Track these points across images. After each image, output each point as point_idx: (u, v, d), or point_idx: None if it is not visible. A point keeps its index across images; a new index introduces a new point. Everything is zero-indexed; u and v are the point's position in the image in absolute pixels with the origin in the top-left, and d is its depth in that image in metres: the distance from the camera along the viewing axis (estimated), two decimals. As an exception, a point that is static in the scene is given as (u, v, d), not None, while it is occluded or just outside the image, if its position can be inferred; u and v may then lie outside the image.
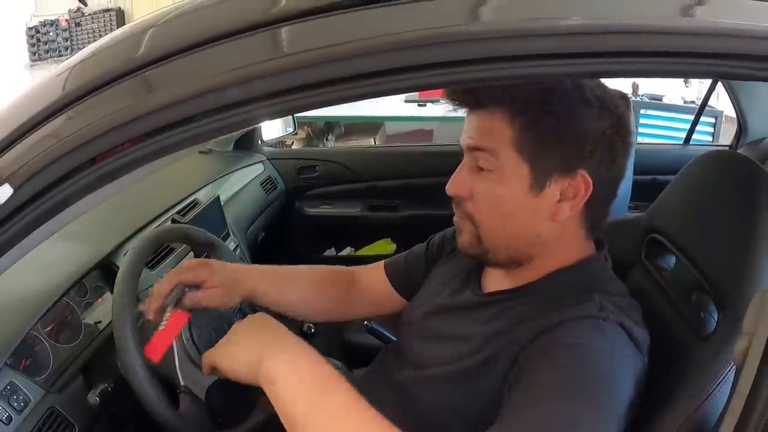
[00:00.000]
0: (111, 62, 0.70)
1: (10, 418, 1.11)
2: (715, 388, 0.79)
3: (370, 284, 1.33)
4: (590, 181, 0.90)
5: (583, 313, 0.86)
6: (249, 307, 1.36)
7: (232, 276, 1.19)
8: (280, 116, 0.66)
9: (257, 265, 1.33)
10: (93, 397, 1.22)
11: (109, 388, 1.25)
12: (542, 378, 0.82)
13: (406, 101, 4.67)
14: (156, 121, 0.63)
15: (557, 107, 0.88)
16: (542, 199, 0.91)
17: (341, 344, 2.00)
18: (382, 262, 1.34)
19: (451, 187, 0.97)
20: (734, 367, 0.75)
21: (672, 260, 1.08)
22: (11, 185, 0.69)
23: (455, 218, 1.01)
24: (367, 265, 1.36)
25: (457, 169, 0.97)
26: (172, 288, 1.13)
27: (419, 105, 4.50)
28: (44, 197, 0.70)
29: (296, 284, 1.31)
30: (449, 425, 0.94)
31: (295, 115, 2.83)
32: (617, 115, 0.91)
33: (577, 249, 0.98)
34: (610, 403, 0.78)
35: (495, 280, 1.04)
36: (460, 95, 0.92)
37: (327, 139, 4.77)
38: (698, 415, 0.79)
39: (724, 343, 0.83)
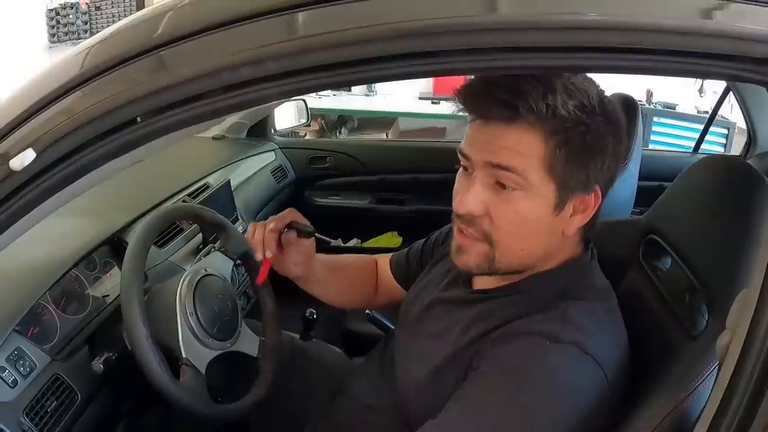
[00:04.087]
0: (133, 41, 0.73)
1: (15, 382, 1.15)
2: (699, 383, 0.81)
3: (382, 272, 1.38)
4: (600, 194, 0.92)
5: (539, 328, 0.87)
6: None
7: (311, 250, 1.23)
8: (289, 96, 0.69)
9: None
10: (97, 365, 1.26)
11: (113, 357, 1.28)
12: (468, 392, 0.87)
13: (420, 98, 4.69)
14: (172, 96, 0.66)
15: (589, 125, 0.85)
16: (560, 217, 0.90)
17: (342, 332, 2.02)
18: (390, 255, 1.37)
19: (464, 206, 0.90)
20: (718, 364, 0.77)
21: (668, 261, 1.10)
22: (34, 150, 0.72)
23: (460, 239, 0.95)
24: (382, 256, 1.40)
25: (466, 185, 0.91)
26: (283, 226, 1.17)
27: (433, 102, 4.53)
28: (65, 163, 0.73)
29: (336, 276, 1.35)
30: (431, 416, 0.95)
31: (309, 106, 2.86)
32: (621, 125, 0.91)
33: (567, 252, 0.98)
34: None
35: (485, 277, 1.03)
36: (488, 106, 0.85)
37: (340, 132, 4.80)
38: (682, 409, 0.80)
39: (711, 342, 0.84)
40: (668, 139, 4.01)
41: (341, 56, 0.62)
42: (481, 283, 1.04)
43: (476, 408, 0.86)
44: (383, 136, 4.74)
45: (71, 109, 0.71)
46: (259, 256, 1.16)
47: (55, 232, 1.48)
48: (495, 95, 0.83)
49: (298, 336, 1.66)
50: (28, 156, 0.71)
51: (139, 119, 0.70)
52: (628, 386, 0.91)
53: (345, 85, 0.65)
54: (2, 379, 1.13)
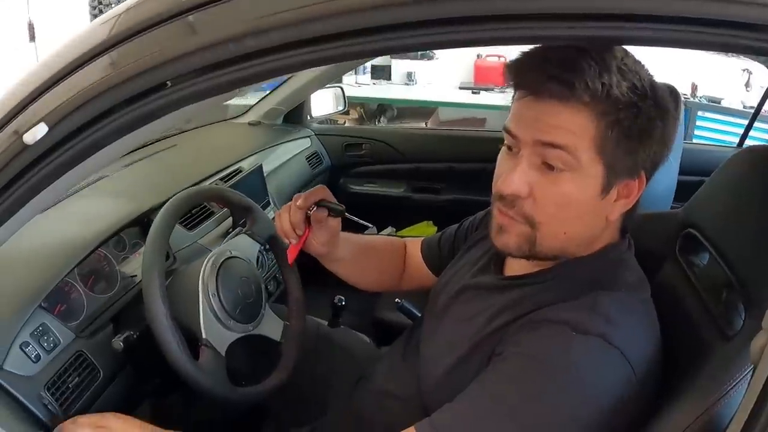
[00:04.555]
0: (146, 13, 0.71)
1: (38, 357, 1.16)
2: (732, 387, 0.77)
3: (410, 260, 1.37)
4: (644, 180, 0.89)
5: (566, 317, 0.85)
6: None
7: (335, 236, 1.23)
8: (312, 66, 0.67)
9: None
10: (117, 342, 1.26)
11: (134, 336, 1.28)
12: (487, 377, 0.86)
13: (461, 88, 4.67)
14: (184, 67, 0.64)
15: (641, 108, 0.83)
16: (606, 201, 0.88)
17: (372, 321, 2.01)
18: (420, 240, 1.36)
19: (510, 186, 0.87)
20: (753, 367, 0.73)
21: (706, 257, 1.05)
22: (47, 123, 0.71)
23: (500, 218, 0.93)
24: (411, 240, 1.39)
25: (511, 165, 0.89)
26: (310, 205, 1.16)
27: (473, 92, 4.49)
28: (79, 137, 0.73)
29: (363, 257, 1.34)
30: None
31: (348, 95, 2.86)
32: (670, 111, 0.88)
33: (606, 239, 0.95)
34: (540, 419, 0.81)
35: (517, 263, 1.01)
36: (542, 82, 0.82)
37: (379, 121, 4.81)
38: (712, 413, 0.77)
39: (746, 343, 0.80)
40: (713, 134, 3.92)
41: (381, 20, 0.59)
42: (513, 269, 1.02)
43: (494, 394, 0.84)
44: (422, 125, 4.72)
45: (83, 81, 0.70)
46: (287, 242, 1.16)
47: (86, 212, 1.50)
48: (549, 71, 0.81)
49: (326, 323, 1.65)
50: (40, 130, 0.71)
51: (169, 83, 0.68)
52: (659, 382, 0.88)
53: (386, 53, 0.63)
54: (25, 353, 1.15)
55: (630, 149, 0.85)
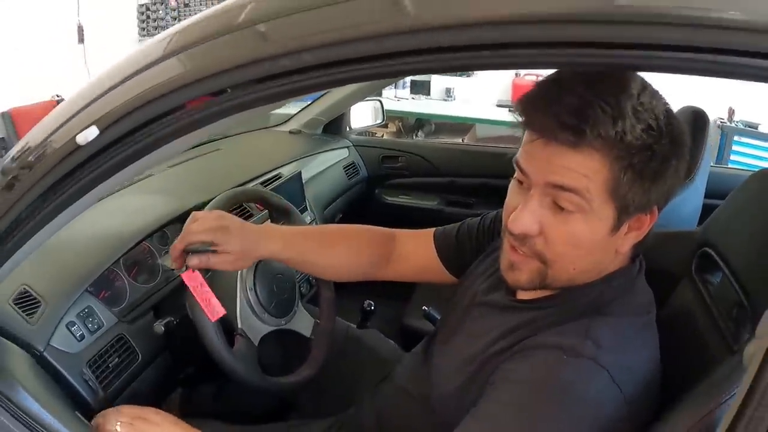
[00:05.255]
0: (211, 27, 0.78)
1: (82, 336, 1.26)
2: (732, 395, 0.81)
3: (416, 250, 1.31)
4: (656, 213, 0.90)
5: (559, 342, 0.86)
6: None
7: (246, 242, 1.16)
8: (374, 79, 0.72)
9: (286, 229, 1.30)
10: (158, 326, 1.35)
11: (174, 322, 1.37)
12: (486, 407, 0.88)
13: (498, 105, 4.70)
14: (242, 76, 0.71)
15: (655, 150, 0.82)
16: (616, 237, 0.89)
17: (399, 328, 2.07)
18: (432, 230, 1.31)
19: (519, 226, 0.88)
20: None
21: (720, 275, 1.09)
22: (98, 127, 0.78)
23: (512, 256, 0.94)
24: (414, 231, 1.33)
25: (521, 202, 0.89)
26: (183, 248, 1.13)
27: (510, 110, 4.49)
28: (129, 139, 0.79)
29: (328, 248, 1.28)
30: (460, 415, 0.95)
31: (387, 108, 2.91)
32: (685, 145, 0.88)
33: (614, 266, 0.95)
34: None
35: None
36: (552, 130, 0.81)
37: (416, 135, 4.85)
38: (711, 418, 0.80)
39: (747, 355, 0.84)
40: (749, 160, 3.89)
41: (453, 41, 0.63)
42: (523, 292, 1.03)
43: (493, 423, 0.86)
44: (459, 141, 4.76)
45: (136, 88, 0.77)
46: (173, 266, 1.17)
47: (133, 207, 1.60)
48: (560, 117, 0.80)
49: (355, 326, 1.71)
50: (91, 132, 0.77)
51: (229, 90, 0.73)
52: (655, 403, 0.90)
53: (448, 71, 0.68)
54: (71, 332, 1.25)
55: (644, 189, 0.84)
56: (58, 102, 5.72)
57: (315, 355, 1.40)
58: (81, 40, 6.09)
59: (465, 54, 0.64)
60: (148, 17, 6.69)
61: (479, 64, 0.68)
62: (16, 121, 5.41)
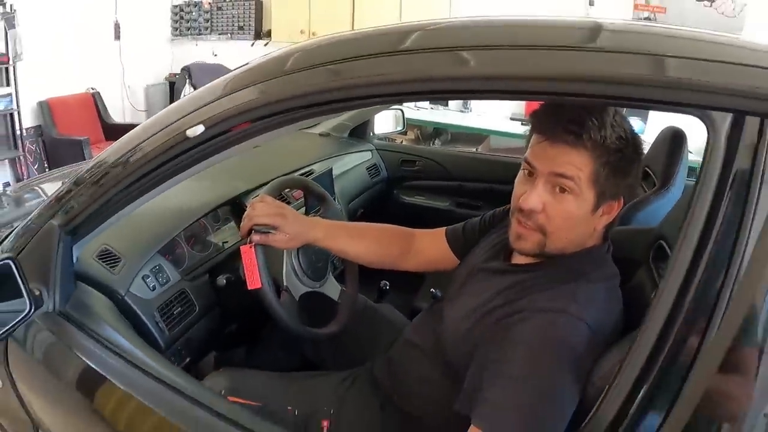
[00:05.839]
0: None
1: (154, 287, 1.57)
2: None
3: (430, 246, 1.62)
4: (622, 202, 1.20)
5: (549, 306, 1.12)
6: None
7: (299, 227, 1.50)
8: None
9: (328, 221, 1.63)
10: (221, 280, 1.67)
11: (232, 278, 1.68)
12: (498, 366, 1.11)
13: (512, 119, 4.91)
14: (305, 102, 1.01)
15: (624, 153, 1.12)
16: (594, 216, 1.18)
17: (410, 310, 2.32)
18: (443, 229, 1.62)
19: (530, 203, 1.16)
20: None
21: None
22: (204, 125, 1.08)
23: (519, 228, 1.21)
24: (429, 230, 1.65)
25: (529, 187, 1.17)
26: (249, 229, 1.46)
27: (523, 123, 4.72)
28: (222, 137, 1.10)
29: (359, 240, 1.60)
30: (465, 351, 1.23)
31: (408, 116, 3.15)
32: (642, 154, 1.18)
33: (591, 242, 1.25)
34: (549, 389, 1.06)
35: (521, 255, 1.30)
36: (559, 132, 1.11)
37: (433, 143, 5.05)
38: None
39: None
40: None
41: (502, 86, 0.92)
42: (517, 258, 1.32)
43: (510, 375, 1.08)
44: (473, 150, 4.98)
45: (232, 102, 1.06)
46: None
47: (195, 189, 1.91)
48: (563, 124, 1.10)
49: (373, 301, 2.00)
50: (199, 129, 1.07)
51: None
52: (613, 341, 1.15)
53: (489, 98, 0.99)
54: (145, 283, 1.56)
55: (616, 181, 1.14)
56: (93, 95, 6.04)
57: (340, 316, 1.69)
58: (117, 36, 6.41)
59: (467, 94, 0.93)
60: (182, 18, 7.00)
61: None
62: (53, 110, 5.72)
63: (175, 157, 1.14)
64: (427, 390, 1.34)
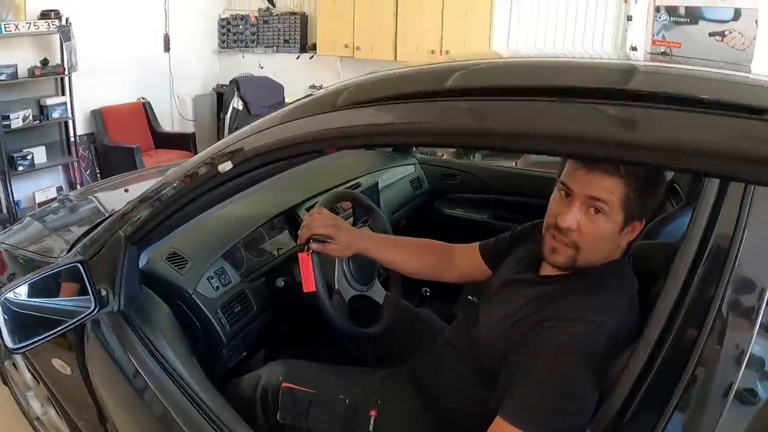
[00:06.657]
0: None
1: (218, 287, 1.74)
2: None
3: (463, 259, 1.74)
4: (644, 222, 1.30)
5: (574, 315, 1.21)
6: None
7: (351, 238, 1.66)
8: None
9: (377, 235, 1.81)
10: (280, 282, 1.84)
11: (288, 281, 1.85)
12: (525, 371, 1.20)
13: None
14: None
15: (653, 181, 1.23)
16: (621, 234, 1.27)
17: (448, 316, 2.42)
18: (476, 244, 1.74)
19: (567, 222, 1.25)
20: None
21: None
22: (232, 162, 1.23)
23: (553, 243, 1.30)
24: (464, 245, 1.77)
25: (566, 207, 1.26)
26: (307, 238, 1.62)
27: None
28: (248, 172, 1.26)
29: (403, 252, 1.75)
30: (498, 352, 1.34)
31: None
32: (665, 180, 1.31)
33: (614, 255, 1.35)
34: (573, 389, 1.15)
35: (549, 267, 1.37)
36: (596, 163, 1.21)
37: (474, 157, 5.10)
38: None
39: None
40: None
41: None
42: (546, 270, 1.42)
43: (536, 378, 1.18)
44: (513, 164, 5.03)
45: (256, 140, 1.20)
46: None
47: (254, 201, 2.08)
48: None
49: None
50: (227, 165, 1.23)
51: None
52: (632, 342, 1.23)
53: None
54: (210, 283, 1.73)
55: (642, 203, 1.24)
56: (143, 104, 6.27)
57: (383, 318, 1.83)
58: (167, 48, 6.63)
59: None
60: (229, 30, 7.17)
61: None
62: (106, 118, 5.95)
63: (209, 190, 1.33)
64: (463, 387, 1.46)
